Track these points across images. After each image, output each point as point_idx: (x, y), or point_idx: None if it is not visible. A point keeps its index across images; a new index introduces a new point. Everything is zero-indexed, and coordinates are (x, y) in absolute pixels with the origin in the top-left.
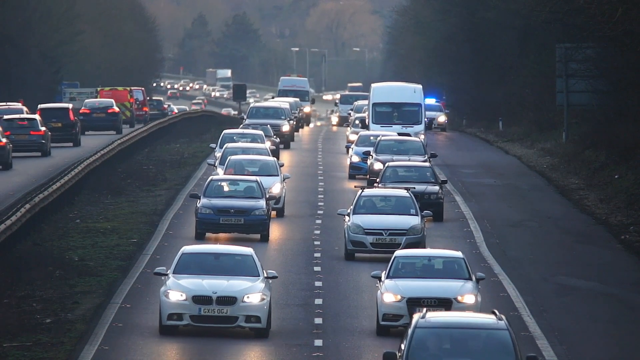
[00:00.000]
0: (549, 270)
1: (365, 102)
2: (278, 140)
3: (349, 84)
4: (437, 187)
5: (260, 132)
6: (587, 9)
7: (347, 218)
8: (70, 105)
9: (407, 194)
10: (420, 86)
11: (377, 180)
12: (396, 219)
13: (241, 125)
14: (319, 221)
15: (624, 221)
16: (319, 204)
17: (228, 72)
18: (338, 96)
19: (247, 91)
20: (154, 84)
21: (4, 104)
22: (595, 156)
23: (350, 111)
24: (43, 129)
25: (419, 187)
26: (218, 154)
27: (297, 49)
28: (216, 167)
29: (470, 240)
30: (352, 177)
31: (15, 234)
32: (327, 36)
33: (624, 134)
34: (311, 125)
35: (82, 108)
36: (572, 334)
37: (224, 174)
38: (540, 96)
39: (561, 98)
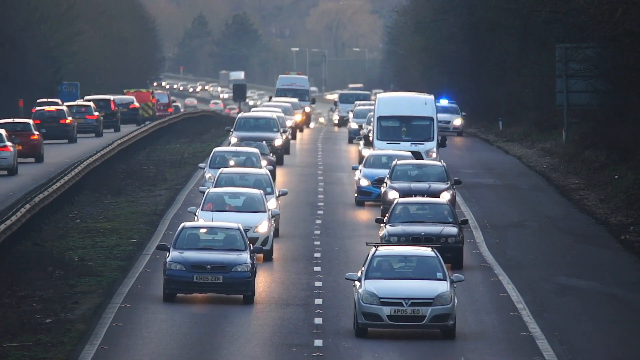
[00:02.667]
0: (549, 270)
1: (367, 103)
2: (275, 158)
3: (350, 85)
4: (455, 229)
5: (255, 150)
6: (587, 9)
7: (357, 284)
8: (112, 97)
9: (433, 253)
10: (432, 97)
11: (384, 219)
12: (419, 285)
13: (231, 143)
14: (319, 221)
15: (624, 221)
16: (319, 203)
17: (241, 74)
18: (335, 95)
19: (256, 92)
20: (167, 86)
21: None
22: (595, 156)
23: (349, 112)
24: (96, 113)
25: (434, 229)
26: (208, 175)
27: (297, 49)
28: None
29: (470, 240)
30: (360, 203)
31: (15, 234)
32: (327, 36)
33: (624, 134)
34: (311, 125)
35: None
36: (572, 334)
37: (203, 208)
38: (540, 96)
39: (561, 98)
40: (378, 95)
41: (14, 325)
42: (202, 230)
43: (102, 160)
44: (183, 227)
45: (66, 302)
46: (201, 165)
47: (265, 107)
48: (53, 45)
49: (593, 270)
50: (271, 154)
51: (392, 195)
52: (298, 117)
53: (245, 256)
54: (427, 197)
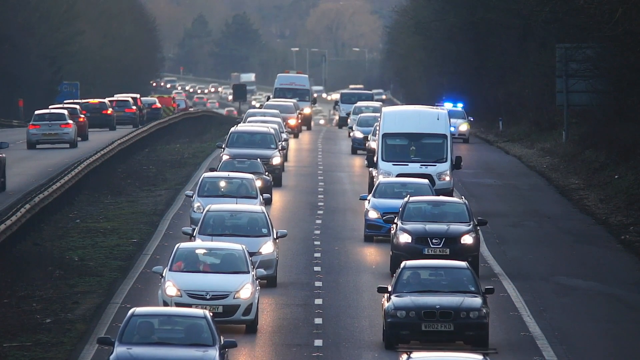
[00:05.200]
0: (549, 270)
1: (370, 104)
2: (271, 178)
3: (350, 86)
4: (478, 301)
5: (250, 176)
6: (587, 9)
7: None
8: (138, 95)
9: None
10: (445, 111)
11: (389, 289)
12: None
13: (222, 160)
14: (318, 221)
15: (624, 221)
16: (319, 203)
17: (252, 76)
18: (338, 95)
19: (264, 94)
20: (179, 87)
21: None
22: (595, 156)
23: (349, 113)
24: (134, 107)
25: (452, 300)
26: (197, 204)
27: (297, 49)
28: (194, 237)
29: None
30: (368, 239)
31: (15, 234)
32: (327, 36)
33: (624, 134)
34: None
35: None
36: (572, 334)
37: (171, 268)
38: (540, 96)
39: (561, 98)
40: (383, 109)
41: (14, 325)
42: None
43: (102, 160)
44: (132, 314)
45: (66, 302)
46: (188, 193)
47: (252, 117)
48: (53, 45)
49: (593, 270)
50: (266, 173)
51: (404, 238)
52: (292, 122)
53: (213, 354)
54: (445, 241)
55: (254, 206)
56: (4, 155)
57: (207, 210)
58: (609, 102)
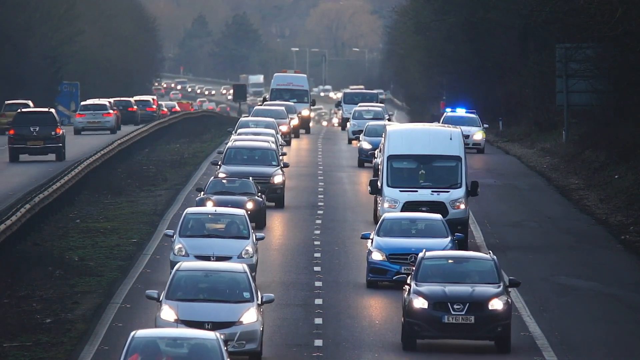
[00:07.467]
0: (549, 270)
1: (371, 106)
2: (264, 199)
3: (350, 87)
4: None
5: (241, 212)
6: (587, 9)
7: None
8: (154, 96)
9: None
10: (458, 130)
11: None
12: None
13: (217, 173)
14: (318, 221)
15: (624, 221)
16: (319, 203)
17: (260, 78)
18: (340, 95)
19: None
20: (189, 89)
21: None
22: (595, 156)
23: (350, 113)
24: (154, 106)
25: None
26: (178, 245)
27: (297, 49)
28: (161, 302)
29: (471, 240)
30: (372, 284)
31: (15, 234)
32: (327, 36)
33: (624, 134)
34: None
35: None
36: (572, 334)
37: None
38: (540, 96)
39: (561, 98)
40: (388, 128)
41: (14, 325)
42: None
43: (102, 160)
44: None
45: (66, 302)
46: (168, 232)
47: (241, 127)
48: (53, 45)
49: (593, 270)
50: (259, 194)
51: (419, 303)
52: (284, 128)
53: None
54: (470, 306)
55: (234, 264)
56: (64, 130)
57: (177, 270)
58: (609, 102)
